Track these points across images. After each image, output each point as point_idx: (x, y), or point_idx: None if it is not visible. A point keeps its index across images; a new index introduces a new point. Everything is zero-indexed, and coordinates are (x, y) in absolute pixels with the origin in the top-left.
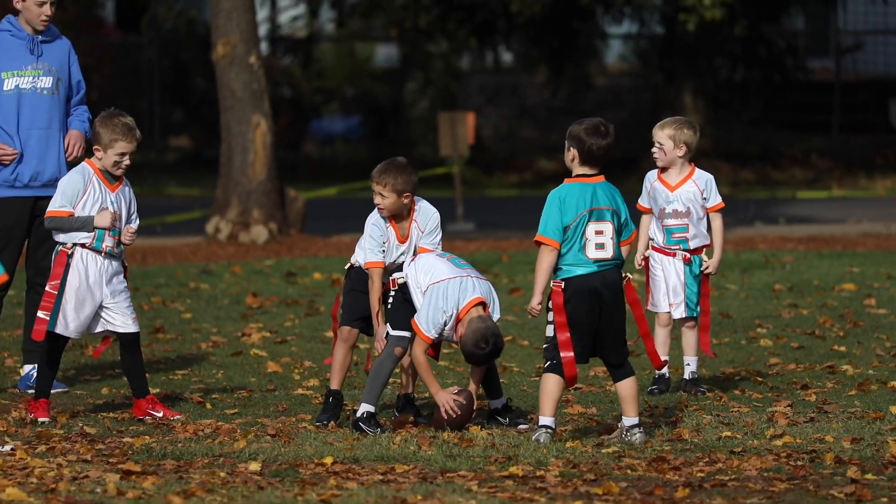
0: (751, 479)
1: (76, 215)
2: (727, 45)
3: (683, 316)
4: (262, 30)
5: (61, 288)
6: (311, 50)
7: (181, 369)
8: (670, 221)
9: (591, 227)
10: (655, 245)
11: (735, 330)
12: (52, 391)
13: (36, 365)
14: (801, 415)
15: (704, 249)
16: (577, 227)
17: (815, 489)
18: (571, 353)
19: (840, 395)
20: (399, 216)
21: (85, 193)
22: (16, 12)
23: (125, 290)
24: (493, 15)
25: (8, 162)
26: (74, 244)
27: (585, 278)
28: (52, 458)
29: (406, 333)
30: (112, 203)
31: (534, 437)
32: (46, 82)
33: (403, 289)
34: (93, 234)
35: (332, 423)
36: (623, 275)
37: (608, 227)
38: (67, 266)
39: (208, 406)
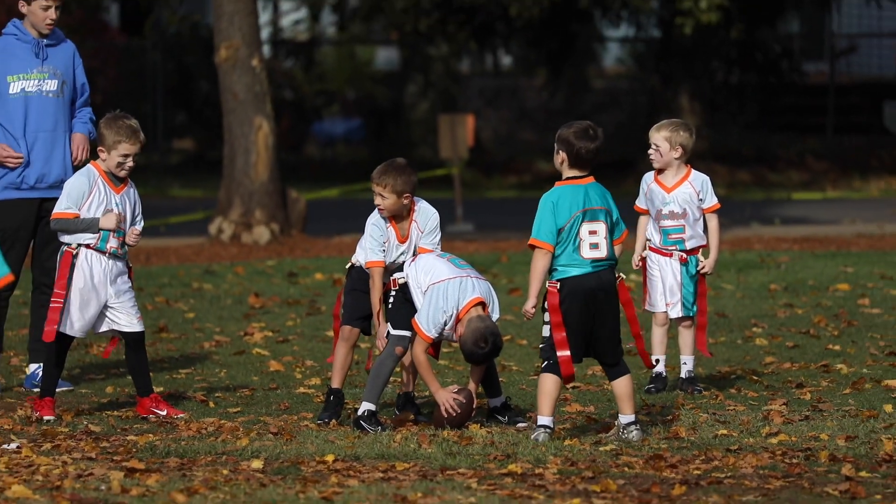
0: (747, 476)
1: (82, 217)
2: (723, 48)
3: (680, 315)
4: (265, 33)
5: (68, 289)
6: (312, 53)
7: (185, 368)
8: (667, 223)
9: (585, 228)
10: (652, 246)
11: (731, 329)
12: (58, 390)
13: (41, 364)
14: (797, 413)
15: (701, 250)
16: (572, 228)
17: (810, 486)
18: (568, 353)
19: (834, 394)
20: (399, 216)
21: (90, 195)
22: (21, 16)
23: (130, 290)
24: (493, 18)
25: (13, 165)
26: (79, 245)
27: (581, 279)
28: (57, 456)
29: (407, 333)
30: (117, 205)
31: (532, 437)
32: (52, 85)
33: (404, 289)
34: (97, 234)
35: (334, 421)
36: (616, 275)
37: (602, 227)
38: (72, 266)
39: (211, 404)
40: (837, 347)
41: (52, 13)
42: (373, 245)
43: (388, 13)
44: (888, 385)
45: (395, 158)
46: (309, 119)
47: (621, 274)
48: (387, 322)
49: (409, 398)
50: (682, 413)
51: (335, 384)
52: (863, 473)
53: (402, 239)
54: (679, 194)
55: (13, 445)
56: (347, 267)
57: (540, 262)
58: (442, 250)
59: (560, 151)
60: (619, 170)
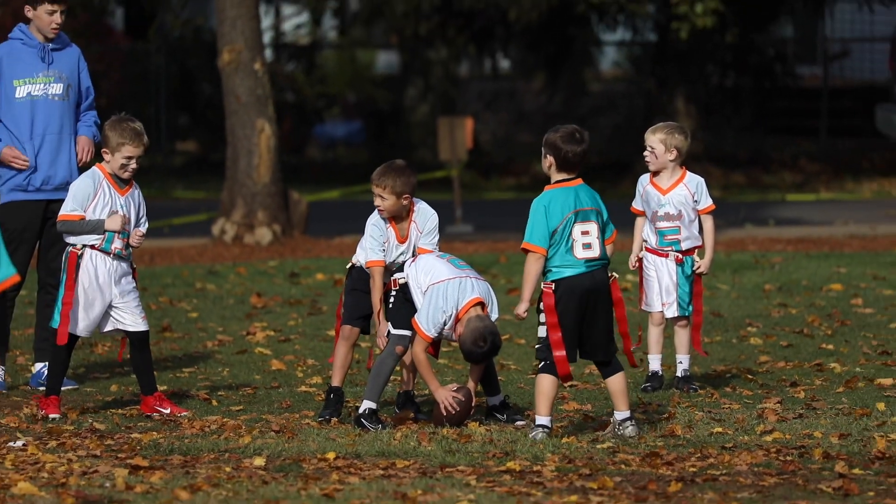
0: (741, 473)
1: (87, 219)
2: (718, 52)
3: (676, 315)
4: (267, 37)
5: (75, 290)
6: (314, 57)
7: (188, 367)
8: (662, 224)
9: (578, 228)
10: (649, 246)
11: (726, 329)
12: (63, 388)
13: (47, 363)
14: (791, 411)
15: (696, 250)
16: (564, 229)
17: (804, 484)
18: (564, 352)
19: (828, 392)
20: (399, 217)
21: (95, 197)
22: (27, 21)
23: (134, 290)
24: (492, 22)
25: (19, 166)
26: (84, 245)
27: (575, 279)
28: (62, 454)
29: (407, 332)
30: (122, 206)
31: (531, 435)
32: (57, 89)
33: (404, 289)
34: (102, 236)
35: (335, 419)
36: (609, 274)
37: (593, 228)
38: (77, 267)
39: (214, 403)
40: (831, 347)
41: (57, 18)
42: (373, 245)
43: (389, 17)
44: (881, 384)
45: (394, 160)
46: (310, 121)
47: (614, 273)
48: (387, 321)
49: (408, 397)
50: (678, 411)
51: (335, 382)
52: (856, 471)
53: (402, 239)
54: (674, 196)
55: (19, 443)
56: (348, 267)
57: (533, 266)
58: (441, 251)
59: (548, 156)
60: (616, 171)
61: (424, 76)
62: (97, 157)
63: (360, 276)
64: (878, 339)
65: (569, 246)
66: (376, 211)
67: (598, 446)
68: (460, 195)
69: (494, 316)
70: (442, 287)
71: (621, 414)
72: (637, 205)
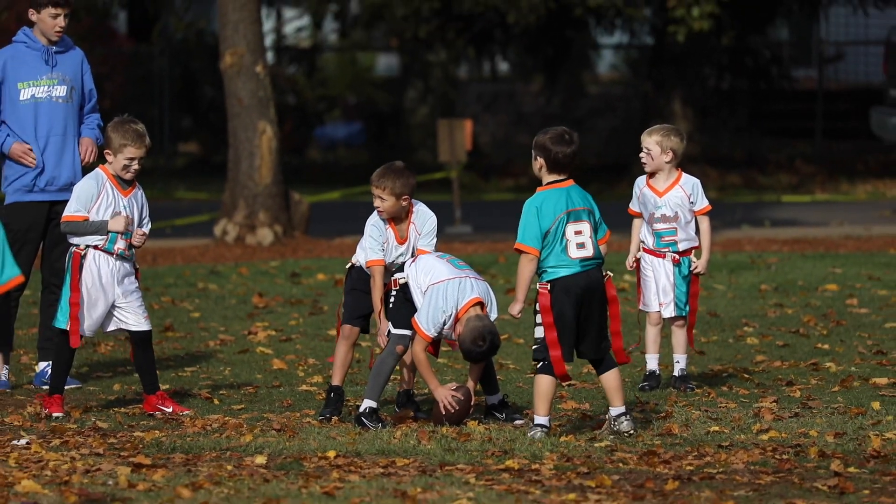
0: (738, 472)
1: (91, 220)
2: (715, 55)
3: (673, 315)
4: (268, 40)
5: (81, 291)
6: (314, 59)
7: (190, 366)
8: (659, 226)
9: (570, 228)
10: (646, 247)
11: (723, 329)
12: (66, 387)
13: (50, 362)
14: (787, 410)
15: (693, 251)
16: (557, 229)
17: (799, 482)
18: (560, 352)
19: (824, 392)
20: (398, 218)
21: (98, 198)
22: (31, 24)
23: (137, 290)
24: (491, 25)
25: (28, 162)
26: (87, 246)
27: (571, 279)
28: (65, 452)
29: (407, 332)
30: (125, 207)
31: (529, 434)
32: (61, 91)
33: (405, 289)
34: (106, 236)
35: (335, 417)
36: (604, 273)
37: (586, 227)
38: (81, 268)
39: (216, 402)
40: (826, 346)
41: (60, 21)
42: (372, 245)
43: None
44: (876, 383)
45: (393, 162)
46: (311, 123)
47: (609, 272)
48: (388, 321)
49: (408, 395)
50: (675, 410)
51: (336, 381)
52: (851, 469)
53: (402, 240)
54: (670, 198)
55: (23, 441)
56: (347, 267)
57: (526, 268)
58: (441, 251)
59: (538, 157)
60: (614, 173)
61: (424, 78)
62: (100, 159)
63: (359, 276)
64: (873, 339)
65: (563, 246)
66: (376, 212)
67: (596, 445)
68: (459, 196)
69: (493, 315)
70: (442, 287)
71: (616, 409)
72: (634, 206)
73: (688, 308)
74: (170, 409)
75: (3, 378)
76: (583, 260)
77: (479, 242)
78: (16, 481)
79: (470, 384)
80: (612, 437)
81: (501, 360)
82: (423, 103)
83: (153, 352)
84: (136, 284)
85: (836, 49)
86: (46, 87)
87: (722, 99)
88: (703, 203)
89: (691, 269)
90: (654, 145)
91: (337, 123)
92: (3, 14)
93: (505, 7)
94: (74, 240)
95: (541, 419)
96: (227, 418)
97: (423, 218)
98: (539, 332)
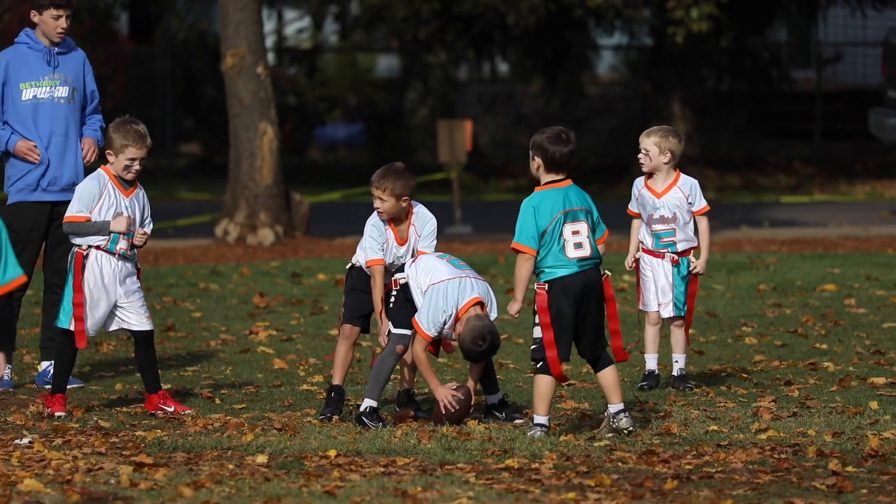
0: (736, 471)
1: (93, 220)
2: (714, 56)
3: (672, 315)
4: (269, 41)
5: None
6: (315, 60)
7: (191, 366)
8: (658, 227)
9: (568, 228)
10: (645, 248)
11: (721, 328)
12: (68, 387)
13: (53, 361)
14: (785, 410)
15: (692, 251)
16: (554, 229)
17: (798, 481)
18: (556, 353)
19: (822, 391)
20: (398, 219)
21: (100, 198)
22: (33, 25)
23: (139, 290)
24: (490, 27)
25: (33, 159)
26: (89, 246)
27: (568, 279)
28: (68, 451)
29: (407, 331)
30: (126, 208)
31: (529, 434)
32: (63, 92)
33: (405, 289)
34: (108, 236)
35: (336, 417)
36: (602, 272)
37: (584, 227)
38: (83, 268)
39: (217, 401)
40: (824, 346)
41: (62, 22)
42: (372, 245)
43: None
44: (873, 382)
45: (393, 163)
46: (312, 124)
47: (606, 271)
48: (388, 320)
49: (409, 395)
50: (674, 410)
51: (336, 381)
52: (849, 468)
53: (402, 241)
54: (669, 199)
55: (25, 440)
56: (347, 267)
57: (524, 267)
58: (441, 251)
59: (535, 157)
60: (613, 174)
61: (424, 79)
62: (102, 160)
63: (359, 276)
64: (870, 339)
65: (560, 246)
66: (375, 212)
67: (596, 444)
68: (459, 197)
69: (493, 315)
70: (442, 287)
71: (615, 406)
72: (633, 207)
73: (686, 308)
74: (171, 409)
75: (6, 378)
76: (580, 260)
77: (479, 242)
78: (18, 480)
79: (470, 384)
80: (610, 434)
81: (501, 360)
82: (423, 104)
83: (155, 351)
84: (138, 284)
85: (834, 50)
86: (48, 88)
87: (721, 100)
88: (701, 203)
89: (690, 269)
90: (653, 146)
91: (337, 124)
92: (6, 15)
93: (505, 8)
94: (76, 240)
95: (540, 419)
96: (228, 417)
97: (423, 220)
98: (537, 332)
